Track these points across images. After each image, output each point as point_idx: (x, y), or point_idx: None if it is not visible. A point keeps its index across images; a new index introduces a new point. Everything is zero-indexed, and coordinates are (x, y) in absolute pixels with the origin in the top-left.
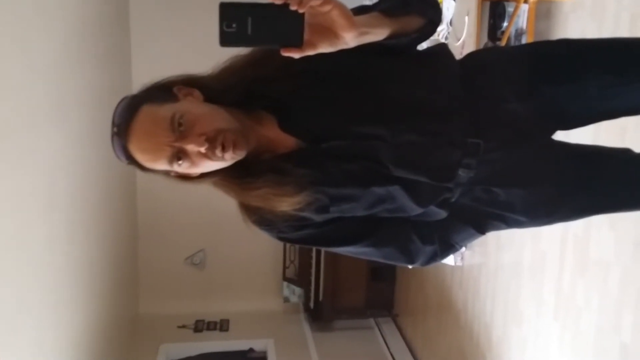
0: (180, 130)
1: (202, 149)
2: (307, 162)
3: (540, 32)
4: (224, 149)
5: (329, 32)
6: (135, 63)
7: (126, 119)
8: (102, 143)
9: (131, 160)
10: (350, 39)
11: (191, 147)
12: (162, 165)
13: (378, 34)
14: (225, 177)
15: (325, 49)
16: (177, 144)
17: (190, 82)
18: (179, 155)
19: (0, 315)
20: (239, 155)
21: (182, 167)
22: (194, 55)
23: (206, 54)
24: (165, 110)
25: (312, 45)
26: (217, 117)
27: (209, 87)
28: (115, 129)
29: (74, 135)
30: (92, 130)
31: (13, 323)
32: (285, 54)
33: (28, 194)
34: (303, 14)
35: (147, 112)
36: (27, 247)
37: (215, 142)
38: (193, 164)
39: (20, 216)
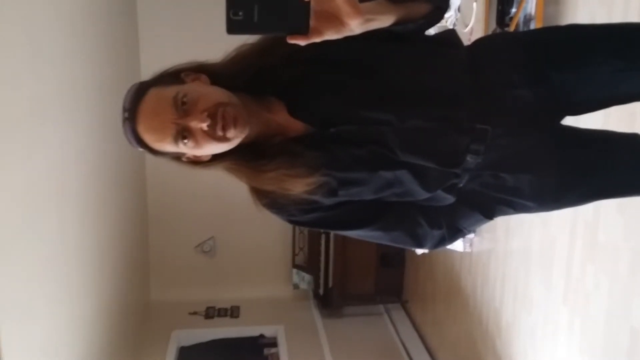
0: (184, 108)
1: (204, 126)
2: (316, 146)
3: (549, 18)
4: (224, 127)
5: (335, 19)
6: (143, 53)
7: (135, 102)
8: (111, 132)
9: (141, 143)
10: (355, 26)
11: (194, 124)
12: (168, 145)
13: (384, 21)
14: (237, 161)
15: (331, 36)
16: (180, 122)
17: (198, 69)
18: (184, 134)
19: (14, 303)
20: (241, 131)
21: (188, 147)
22: (201, 44)
23: (214, 42)
24: (170, 90)
25: (318, 32)
26: (218, 93)
27: (217, 74)
28: (125, 114)
29: (84, 126)
30: (101, 120)
31: (27, 311)
32: (292, 41)
33: (39, 184)
34: (309, 2)
35: (154, 93)
36: (39, 237)
37: (216, 116)
38: (197, 144)
39: (32, 206)
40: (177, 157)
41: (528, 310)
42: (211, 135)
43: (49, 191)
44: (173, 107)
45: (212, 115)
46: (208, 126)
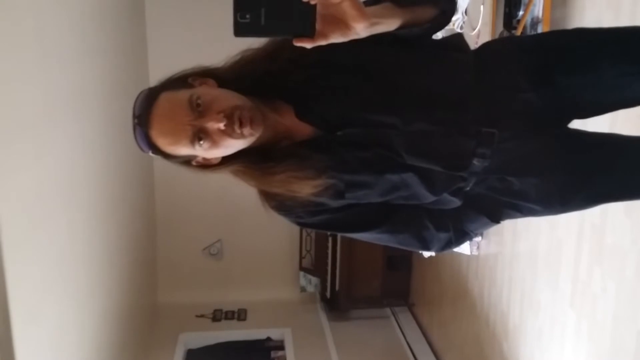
0: (199, 110)
1: (222, 125)
2: (323, 149)
3: (556, 21)
4: (241, 125)
5: (341, 23)
6: (152, 55)
7: (146, 107)
8: (120, 135)
9: (154, 148)
10: (361, 30)
11: (211, 125)
12: (184, 147)
13: (389, 25)
14: (245, 164)
15: (336, 39)
16: (196, 123)
17: (204, 74)
18: (200, 135)
19: (23, 306)
20: (256, 131)
21: (204, 148)
22: (209, 46)
23: (221, 45)
24: (183, 93)
25: (324, 35)
26: (232, 96)
27: (223, 77)
28: (136, 120)
29: (93, 128)
30: (110, 122)
31: (36, 313)
32: (298, 44)
33: (48, 186)
34: (315, 5)
35: (166, 97)
36: (49, 239)
37: (232, 117)
38: (214, 143)
39: (41, 208)
40: (187, 161)
41: (535, 313)
42: (228, 134)
43: (58, 193)
44: (189, 109)
45: (229, 117)
46: (225, 125)
